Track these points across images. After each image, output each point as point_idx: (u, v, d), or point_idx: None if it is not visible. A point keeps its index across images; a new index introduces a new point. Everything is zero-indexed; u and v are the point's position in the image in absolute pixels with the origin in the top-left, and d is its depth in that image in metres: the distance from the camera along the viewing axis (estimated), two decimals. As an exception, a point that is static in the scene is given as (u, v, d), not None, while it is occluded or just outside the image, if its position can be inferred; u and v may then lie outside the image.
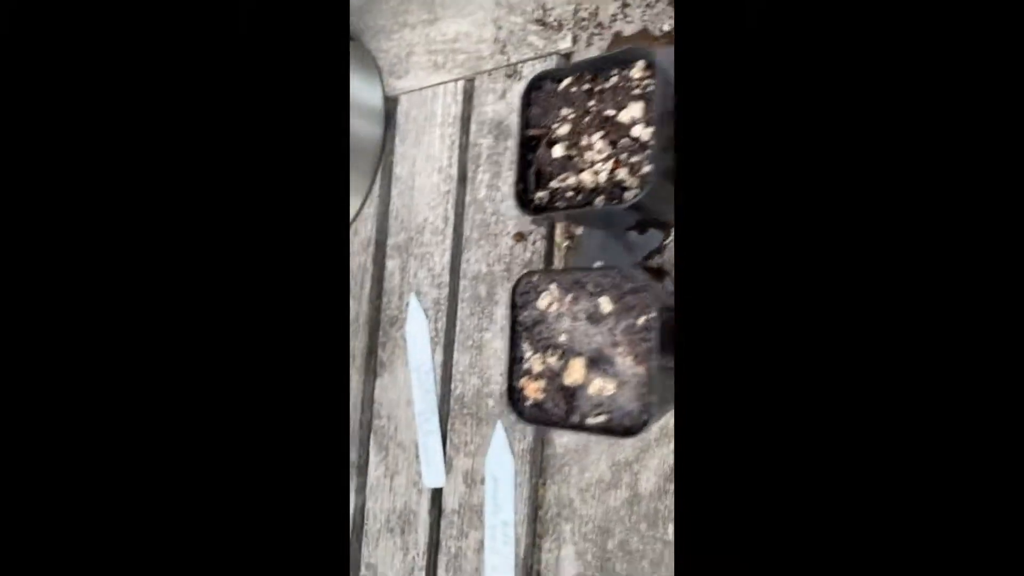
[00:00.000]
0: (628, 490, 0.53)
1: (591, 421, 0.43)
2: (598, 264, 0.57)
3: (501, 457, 0.61)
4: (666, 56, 0.55)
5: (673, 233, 0.53)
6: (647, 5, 0.57)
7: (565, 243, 0.60)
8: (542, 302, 0.46)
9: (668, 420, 0.51)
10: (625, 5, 0.59)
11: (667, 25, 0.55)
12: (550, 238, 0.62)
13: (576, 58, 0.62)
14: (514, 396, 0.47)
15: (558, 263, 0.61)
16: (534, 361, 0.46)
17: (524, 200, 0.48)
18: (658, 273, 0.53)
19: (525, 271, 0.49)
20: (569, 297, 0.46)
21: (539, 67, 0.65)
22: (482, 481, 0.63)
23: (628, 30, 0.59)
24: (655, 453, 0.52)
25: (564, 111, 0.48)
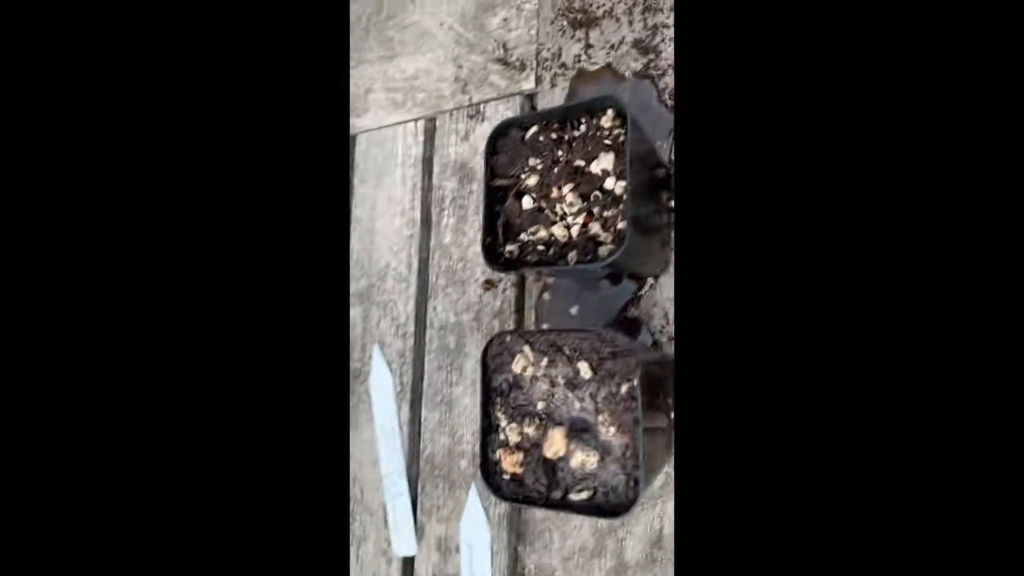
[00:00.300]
0: (613, 558, 0.50)
1: (574, 497, 0.40)
2: (574, 310, 0.54)
3: (476, 523, 0.57)
4: (636, 93, 0.54)
5: (649, 283, 0.51)
6: (611, 47, 0.56)
7: (537, 291, 0.58)
8: (516, 366, 0.43)
9: (656, 483, 0.48)
10: (588, 46, 0.57)
11: (634, 64, 0.54)
12: (521, 285, 0.59)
13: (540, 99, 0.60)
14: (490, 469, 0.43)
15: (530, 312, 0.57)
16: (510, 431, 0.43)
17: (493, 254, 0.45)
18: (635, 324, 0.51)
19: (496, 332, 0.46)
20: (545, 361, 0.42)
21: (502, 108, 0.62)
22: (457, 549, 0.58)
23: (592, 70, 0.57)
24: (640, 519, 0.49)
25: (532, 160, 0.45)
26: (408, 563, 0.62)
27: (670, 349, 0.49)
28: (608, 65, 0.56)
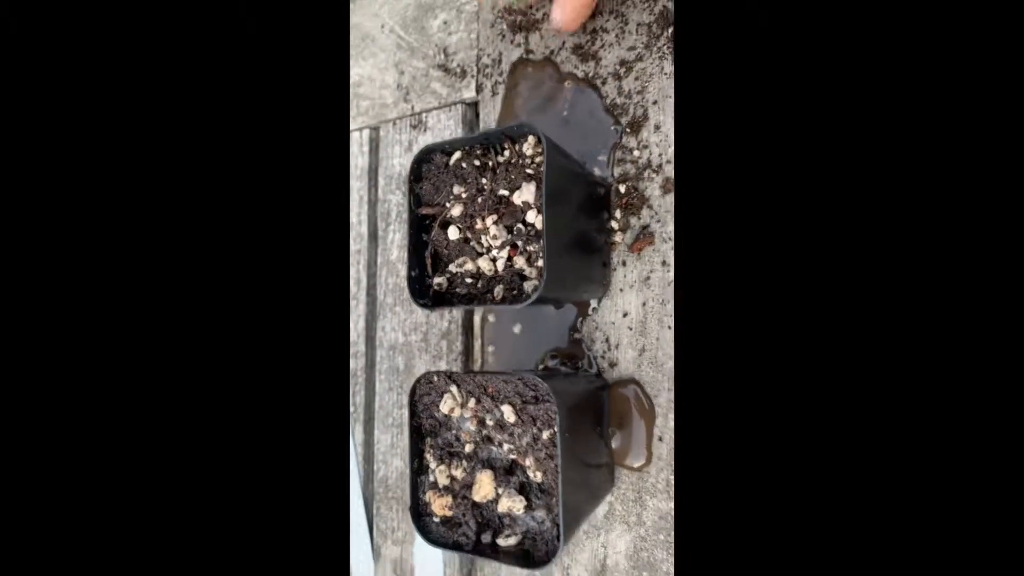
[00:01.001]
0: (560, 586, 0.49)
1: (502, 543, 0.39)
2: (517, 330, 0.53)
3: (429, 547, 0.56)
4: (580, 100, 0.51)
5: (592, 306, 0.49)
6: (551, 52, 0.53)
7: (483, 315, 0.56)
8: (444, 406, 0.42)
9: (600, 512, 0.47)
10: (528, 51, 0.54)
11: (574, 70, 0.51)
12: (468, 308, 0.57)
13: (482, 108, 0.57)
14: (420, 511, 0.42)
15: (478, 335, 0.56)
16: (439, 473, 0.41)
17: (420, 287, 0.43)
18: (578, 348, 0.49)
19: (423, 372, 0.44)
20: (472, 402, 0.41)
21: (443, 118, 0.59)
22: (412, 572, 0.58)
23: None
24: (585, 547, 0.48)
25: (457, 188, 0.43)
26: (366, 584, 0.61)
27: (613, 375, 0.47)
28: (549, 58, 0.52)
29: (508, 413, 0.39)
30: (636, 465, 0.46)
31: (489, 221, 0.41)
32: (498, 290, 0.41)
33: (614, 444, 0.46)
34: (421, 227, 0.44)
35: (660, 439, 0.45)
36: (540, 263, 0.38)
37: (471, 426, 0.41)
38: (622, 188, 0.47)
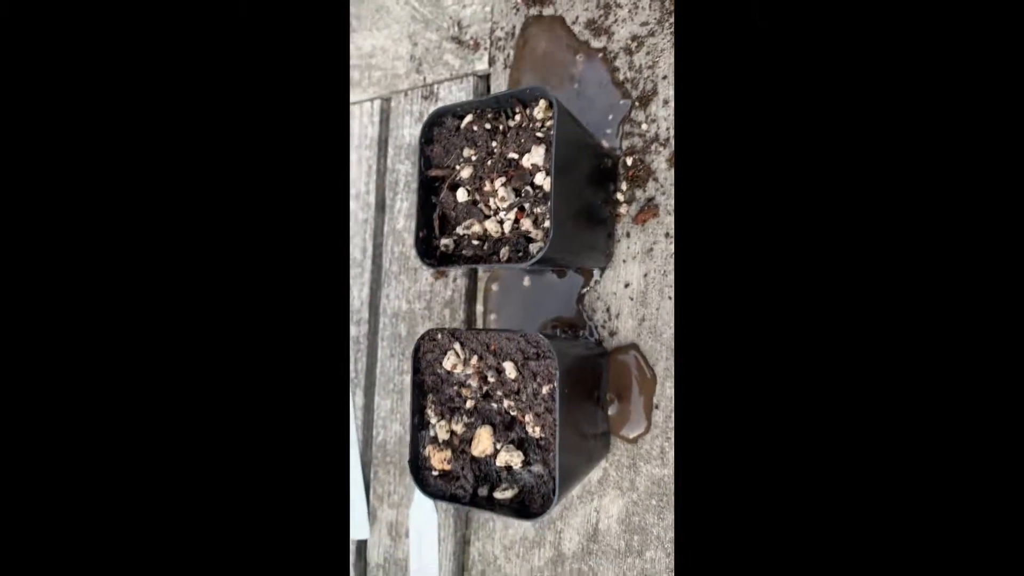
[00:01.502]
0: (552, 549, 0.50)
1: (499, 495, 0.40)
2: (521, 301, 0.53)
3: (425, 511, 0.57)
4: (591, 71, 0.51)
5: (594, 277, 0.50)
6: (565, 20, 0.53)
7: (487, 283, 0.57)
8: (447, 363, 0.43)
9: (594, 476, 0.48)
10: (540, 13, 0.55)
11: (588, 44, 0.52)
12: (472, 275, 0.58)
13: (493, 81, 0.58)
14: (419, 464, 0.43)
15: (481, 302, 0.57)
16: (439, 428, 0.42)
17: (427, 248, 0.44)
18: (579, 318, 0.50)
19: (427, 328, 0.45)
20: (475, 359, 0.42)
21: (455, 89, 0.60)
22: (407, 534, 0.59)
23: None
24: (578, 512, 0.49)
25: (467, 151, 0.44)
26: (361, 546, 0.63)
27: (612, 343, 0.48)
28: (560, 17, 0.53)
29: (510, 369, 0.40)
30: (634, 435, 0.47)
31: (498, 183, 0.42)
32: (504, 251, 0.41)
33: (611, 411, 0.47)
34: (430, 189, 0.45)
35: (657, 407, 0.46)
36: (547, 224, 0.39)
37: (472, 382, 0.42)
38: (629, 161, 0.48)
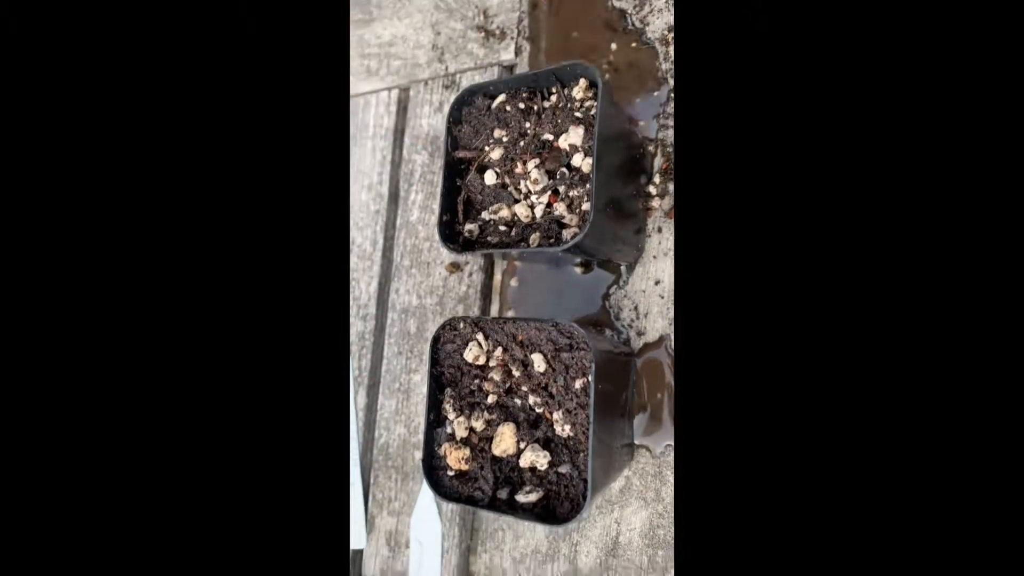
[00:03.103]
0: (566, 563, 0.47)
1: (522, 499, 0.37)
2: (543, 297, 0.51)
3: (428, 519, 0.53)
4: (617, 59, 0.50)
5: (622, 272, 0.47)
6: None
7: (506, 276, 0.54)
8: (468, 354, 0.40)
9: (615, 486, 0.45)
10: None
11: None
12: (488, 270, 0.55)
13: (519, 71, 0.56)
14: (433, 464, 0.40)
15: (497, 299, 0.54)
16: (458, 425, 0.39)
17: (450, 233, 0.42)
18: (605, 316, 0.47)
19: (448, 318, 0.42)
20: (499, 351, 0.39)
21: (478, 79, 0.58)
22: (407, 545, 0.55)
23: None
24: (596, 523, 0.46)
25: (497, 132, 0.41)
26: (356, 556, 0.58)
27: (639, 343, 0.46)
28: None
29: (538, 362, 0.37)
30: (662, 446, 0.44)
31: (531, 165, 0.39)
32: (533, 238, 0.39)
33: (638, 416, 0.45)
34: (456, 171, 0.43)
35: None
36: (585, 206, 0.37)
37: (496, 376, 0.39)
38: (663, 153, 0.46)
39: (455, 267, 0.56)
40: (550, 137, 0.39)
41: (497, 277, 0.55)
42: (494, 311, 0.54)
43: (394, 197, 0.63)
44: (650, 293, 0.46)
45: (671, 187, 0.46)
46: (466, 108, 0.43)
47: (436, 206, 0.59)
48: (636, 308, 0.46)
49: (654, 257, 0.46)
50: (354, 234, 0.64)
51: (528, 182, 0.39)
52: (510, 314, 0.53)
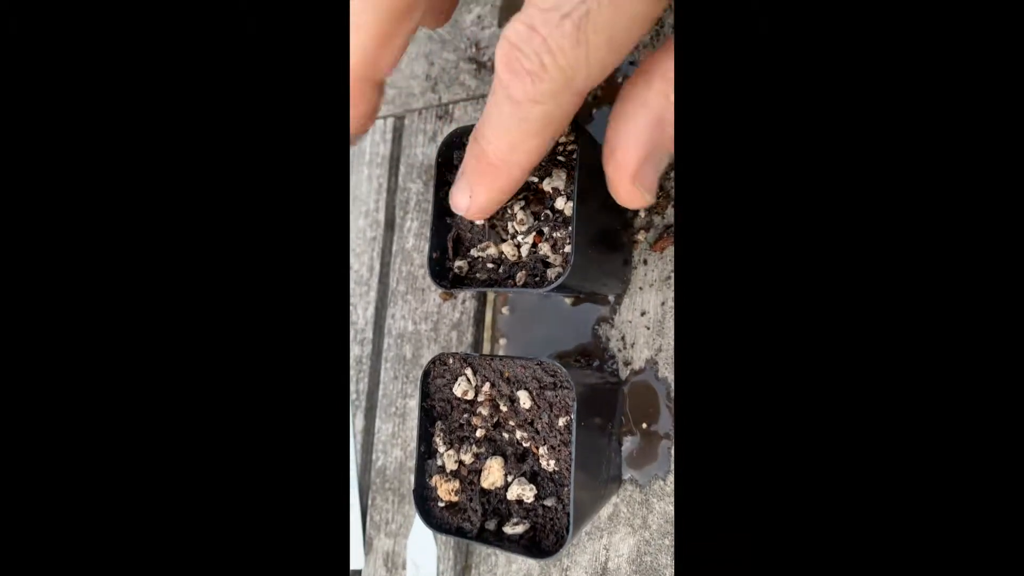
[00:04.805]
0: (557, 587, 0.48)
1: (508, 530, 0.38)
2: (534, 327, 0.52)
3: (423, 541, 0.55)
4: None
5: (609, 307, 0.49)
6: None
7: (497, 305, 0.55)
8: (457, 389, 0.41)
9: (604, 512, 0.47)
10: (561, 49, 0.55)
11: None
12: (481, 298, 0.56)
13: (510, 102, 0.57)
14: (424, 495, 0.41)
15: (489, 328, 0.55)
16: (447, 457, 0.41)
17: (440, 269, 0.43)
18: (594, 346, 0.49)
19: (438, 353, 0.44)
20: (487, 386, 0.40)
21: (471, 109, 0.60)
22: (404, 566, 0.57)
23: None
24: (586, 548, 0.47)
25: (485, 173, 0.43)
26: (355, 576, 0.60)
27: (626, 372, 0.47)
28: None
29: (524, 399, 0.38)
30: (649, 476, 0.45)
31: (516, 207, 0.41)
32: (520, 275, 0.40)
33: (625, 444, 0.46)
34: (446, 210, 0.44)
35: (667, 435, 0.44)
36: (566, 249, 0.38)
37: (484, 411, 0.40)
38: (647, 187, 0.47)
39: (449, 295, 0.58)
40: (535, 179, 0.40)
41: (489, 307, 0.56)
42: (487, 337, 0.55)
43: (390, 224, 0.64)
44: (636, 324, 0.47)
45: (656, 220, 0.47)
46: (456, 152, 0.44)
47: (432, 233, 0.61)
48: (623, 338, 0.48)
49: (640, 288, 0.47)
50: (351, 260, 0.66)
51: (515, 223, 0.41)
52: (502, 342, 0.54)
